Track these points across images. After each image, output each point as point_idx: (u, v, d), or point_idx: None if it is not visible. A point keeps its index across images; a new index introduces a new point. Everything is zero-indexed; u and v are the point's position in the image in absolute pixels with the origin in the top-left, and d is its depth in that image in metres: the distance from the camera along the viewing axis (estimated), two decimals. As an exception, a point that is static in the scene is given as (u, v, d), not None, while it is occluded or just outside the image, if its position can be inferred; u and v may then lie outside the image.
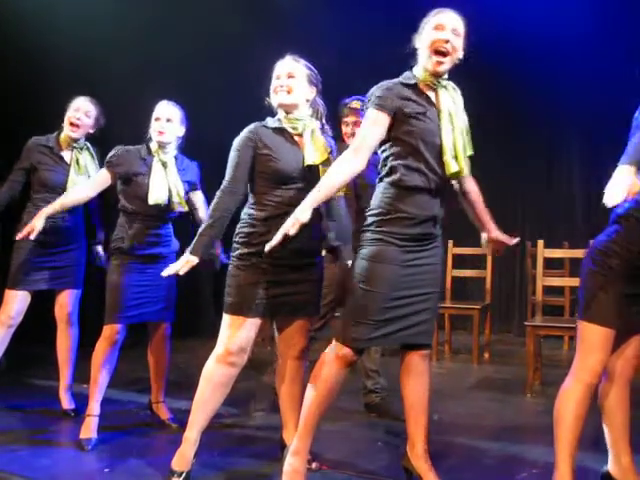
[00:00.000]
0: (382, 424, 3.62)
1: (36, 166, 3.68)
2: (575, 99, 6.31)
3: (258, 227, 2.73)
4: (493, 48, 5.72)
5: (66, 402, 3.77)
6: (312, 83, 2.85)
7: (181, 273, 2.70)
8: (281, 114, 2.82)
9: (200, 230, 2.73)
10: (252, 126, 2.81)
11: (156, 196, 3.25)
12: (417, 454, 2.64)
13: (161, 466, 2.86)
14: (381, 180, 2.61)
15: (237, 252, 2.76)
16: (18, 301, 3.67)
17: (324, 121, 2.93)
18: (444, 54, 2.55)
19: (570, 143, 6.91)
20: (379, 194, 2.59)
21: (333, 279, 3.42)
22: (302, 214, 2.42)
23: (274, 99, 2.82)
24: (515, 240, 2.82)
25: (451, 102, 2.59)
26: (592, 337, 2.44)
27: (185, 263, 2.68)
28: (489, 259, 5.74)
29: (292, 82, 2.79)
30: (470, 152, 2.63)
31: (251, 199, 2.80)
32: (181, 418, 3.48)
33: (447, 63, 2.57)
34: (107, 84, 5.23)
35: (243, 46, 5.93)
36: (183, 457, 2.75)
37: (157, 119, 3.31)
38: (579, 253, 4.79)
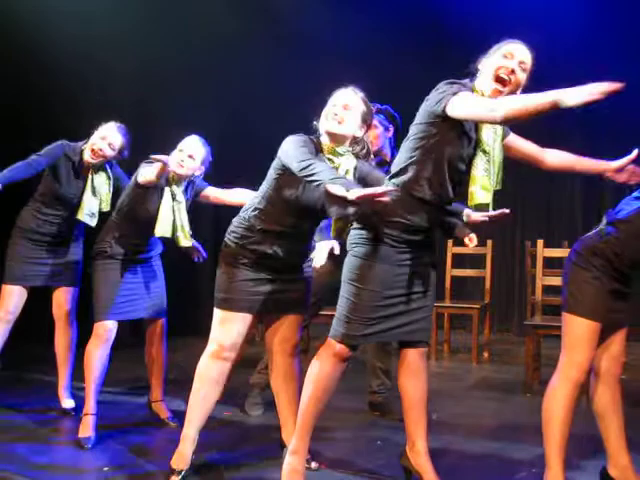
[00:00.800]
0: (381, 423, 3.62)
1: (54, 170, 3.60)
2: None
3: (255, 235, 2.73)
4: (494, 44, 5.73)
5: (65, 400, 3.76)
6: (365, 121, 2.75)
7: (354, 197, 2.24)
8: (325, 140, 2.71)
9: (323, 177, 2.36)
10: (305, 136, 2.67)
11: (163, 230, 3.23)
12: (416, 453, 2.64)
13: (160, 464, 2.87)
14: (390, 179, 2.58)
15: (230, 249, 2.77)
16: (15, 296, 3.67)
17: (370, 158, 2.82)
18: (505, 83, 2.45)
19: (571, 142, 6.89)
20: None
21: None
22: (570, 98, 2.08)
23: (324, 124, 2.71)
24: (635, 152, 2.50)
25: (493, 133, 2.52)
26: (579, 331, 2.45)
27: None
28: (488, 258, 5.74)
29: (346, 114, 2.69)
30: (498, 187, 2.54)
31: (259, 205, 2.74)
32: (180, 417, 3.46)
33: (504, 94, 2.45)
34: (106, 80, 5.23)
35: (242, 42, 5.92)
36: (182, 456, 2.75)
37: (180, 150, 3.24)
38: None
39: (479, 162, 2.49)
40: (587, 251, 2.48)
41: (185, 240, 3.29)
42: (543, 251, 4.73)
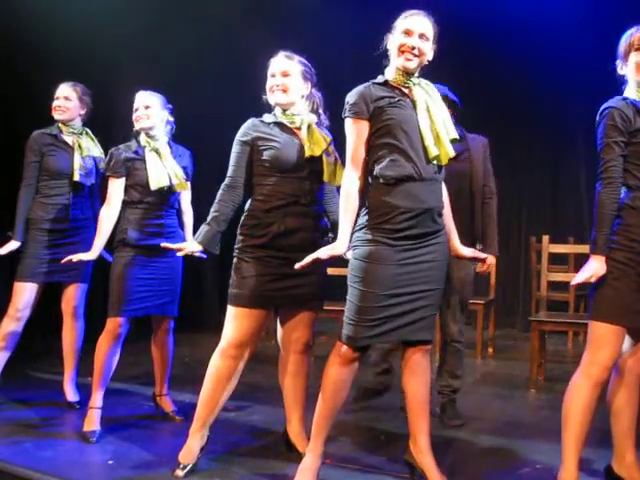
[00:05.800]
0: (385, 418, 3.62)
1: (44, 154, 3.72)
2: (583, 94, 6.29)
3: (262, 218, 2.75)
4: (500, 42, 5.71)
5: (71, 394, 3.78)
6: (306, 79, 2.88)
7: (178, 254, 2.87)
8: (278, 111, 2.86)
9: (207, 221, 2.79)
10: (249, 121, 2.86)
11: (157, 181, 3.29)
12: (419, 449, 2.65)
13: (165, 458, 2.88)
14: (369, 179, 2.58)
15: (241, 244, 2.78)
16: (25, 294, 3.67)
17: (321, 111, 2.96)
18: (409, 59, 2.56)
19: (577, 137, 6.89)
20: (368, 193, 2.56)
21: None
22: (342, 246, 2.47)
23: (270, 98, 2.86)
24: (484, 255, 2.82)
25: (426, 94, 2.60)
26: (601, 334, 2.44)
27: (188, 247, 2.81)
28: (494, 254, 5.72)
29: (287, 81, 2.82)
30: (453, 136, 2.60)
31: (254, 190, 2.82)
32: (185, 411, 3.50)
33: (415, 62, 2.57)
34: (108, 77, 5.23)
35: (245, 39, 5.90)
36: (189, 451, 2.78)
37: (136, 109, 3.39)
38: (584, 248, 4.77)
39: (422, 119, 2.55)
40: (609, 251, 2.46)
41: (182, 187, 3.40)
42: (549, 247, 4.72)
